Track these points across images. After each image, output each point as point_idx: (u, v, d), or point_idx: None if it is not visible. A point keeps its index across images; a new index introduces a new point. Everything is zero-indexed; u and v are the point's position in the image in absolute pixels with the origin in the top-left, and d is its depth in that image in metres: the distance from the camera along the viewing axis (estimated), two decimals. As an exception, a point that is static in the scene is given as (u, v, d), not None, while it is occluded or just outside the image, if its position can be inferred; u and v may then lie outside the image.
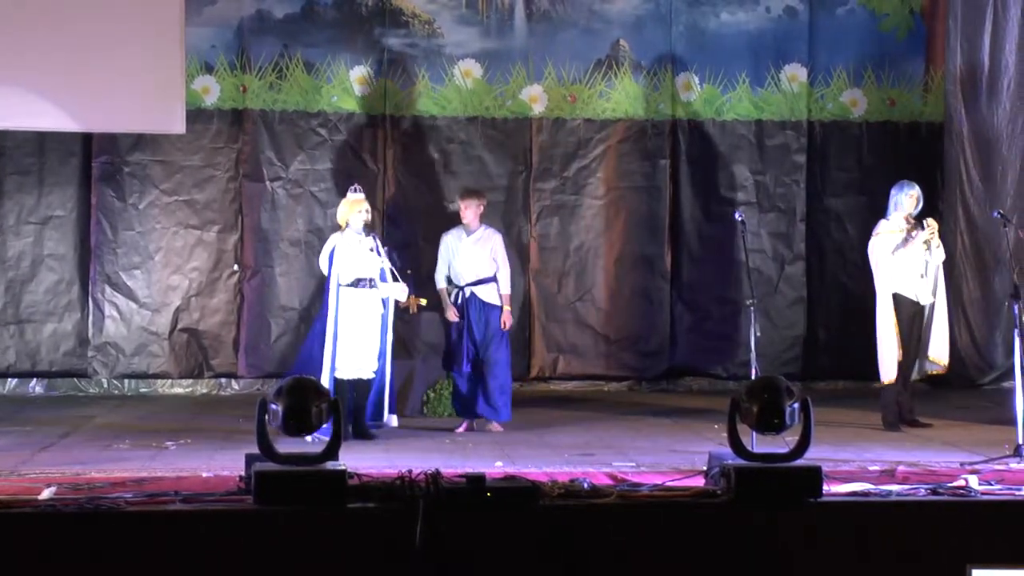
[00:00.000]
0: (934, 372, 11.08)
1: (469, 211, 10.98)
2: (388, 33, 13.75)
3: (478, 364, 10.77)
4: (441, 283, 10.98)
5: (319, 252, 13.42)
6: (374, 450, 9.32)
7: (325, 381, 9.72)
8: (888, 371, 10.74)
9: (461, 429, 10.72)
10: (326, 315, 10.15)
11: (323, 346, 10.02)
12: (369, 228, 10.42)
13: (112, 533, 6.54)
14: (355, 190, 10.51)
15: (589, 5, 13.94)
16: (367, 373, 10.17)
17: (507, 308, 10.87)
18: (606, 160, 13.99)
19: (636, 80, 13.99)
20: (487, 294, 10.83)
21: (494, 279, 10.87)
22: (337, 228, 10.55)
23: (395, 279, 10.35)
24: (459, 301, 10.81)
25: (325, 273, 10.34)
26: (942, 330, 10.90)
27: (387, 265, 10.32)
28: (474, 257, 10.89)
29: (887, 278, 10.78)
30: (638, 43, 13.99)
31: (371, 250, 10.25)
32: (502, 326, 10.81)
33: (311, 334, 10.52)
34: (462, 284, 10.85)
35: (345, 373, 10.09)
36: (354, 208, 10.33)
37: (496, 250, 10.94)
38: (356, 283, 10.20)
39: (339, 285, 10.15)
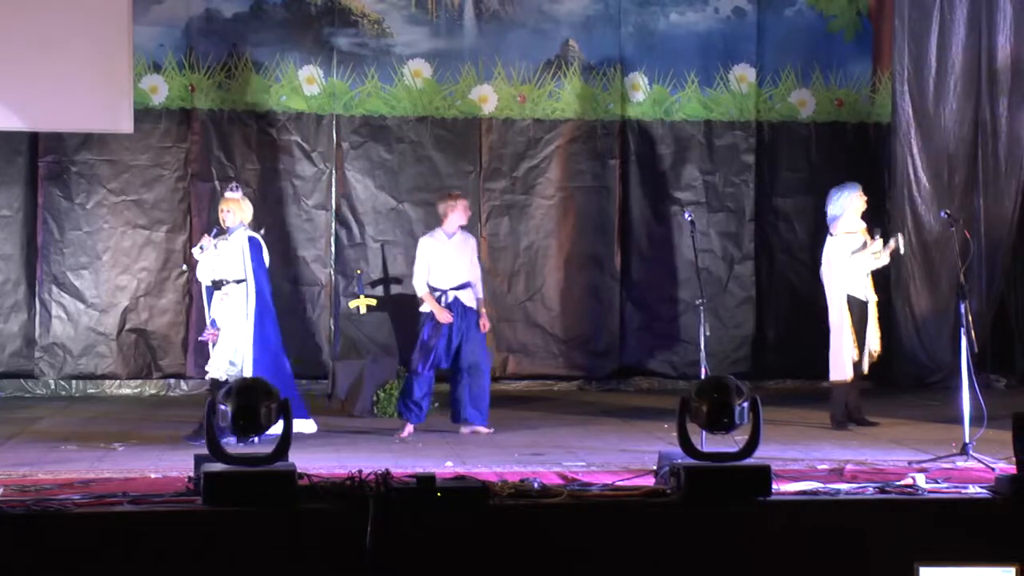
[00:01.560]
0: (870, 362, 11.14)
1: (457, 213, 10.68)
2: (337, 32, 13.71)
3: (458, 369, 10.61)
4: (424, 287, 10.63)
5: (269, 252, 13.47)
6: (324, 450, 9.29)
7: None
8: (841, 371, 10.80)
9: (406, 433, 10.47)
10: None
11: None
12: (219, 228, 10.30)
13: (59, 535, 6.49)
14: (234, 188, 10.42)
15: (538, 5, 13.95)
16: (219, 374, 10.13)
17: (483, 311, 10.76)
18: (556, 160, 14.01)
19: (585, 80, 14.01)
20: (468, 298, 10.70)
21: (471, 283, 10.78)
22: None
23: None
24: (442, 304, 10.64)
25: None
26: (875, 322, 10.99)
27: (248, 264, 10.23)
28: (457, 261, 10.68)
29: (841, 279, 10.84)
30: (587, 43, 14.02)
31: (219, 248, 10.20)
32: (482, 329, 10.72)
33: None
34: (445, 288, 10.62)
35: (217, 373, 10.09)
36: (221, 206, 10.33)
37: (473, 254, 10.85)
38: (218, 285, 10.20)
39: (207, 287, 10.27)
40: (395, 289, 13.63)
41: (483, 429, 10.58)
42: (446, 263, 10.62)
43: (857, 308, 10.85)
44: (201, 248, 10.26)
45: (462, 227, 10.78)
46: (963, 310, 9.06)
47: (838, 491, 7.31)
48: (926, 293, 14.06)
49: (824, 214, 11.12)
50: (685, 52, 14.10)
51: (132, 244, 13.43)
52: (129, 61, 12.68)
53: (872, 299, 10.95)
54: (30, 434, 10.38)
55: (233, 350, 10.12)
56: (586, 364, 14.02)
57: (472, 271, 10.73)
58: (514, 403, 12.52)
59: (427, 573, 6.64)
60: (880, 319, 11.12)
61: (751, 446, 7.16)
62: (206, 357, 13.22)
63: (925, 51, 13.98)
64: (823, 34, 14.31)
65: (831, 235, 10.97)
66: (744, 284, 14.21)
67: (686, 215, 10.49)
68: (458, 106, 13.90)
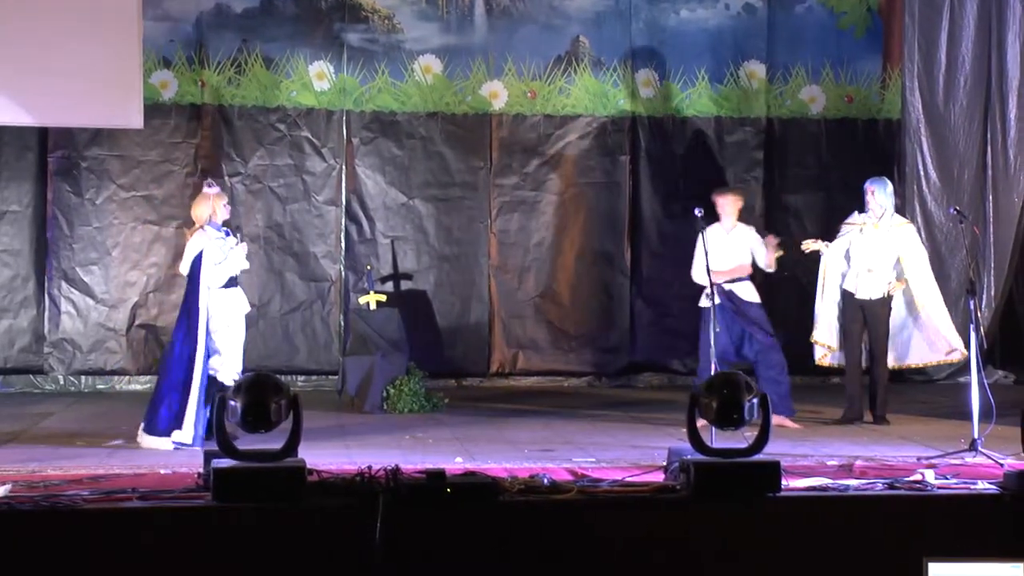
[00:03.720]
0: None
1: (728, 206, 10.92)
2: (348, 28, 13.71)
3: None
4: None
5: (278, 248, 13.47)
6: (334, 446, 9.29)
7: (195, 386, 9.38)
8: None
9: None
10: (194, 317, 9.55)
11: (194, 349, 9.47)
12: (227, 224, 10.07)
13: (69, 531, 6.50)
14: (211, 184, 10.20)
15: (548, 2, 13.95)
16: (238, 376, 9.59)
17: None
18: (566, 156, 14.01)
19: (596, 76, 14.01)
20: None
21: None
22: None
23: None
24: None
25: (185, 273, 9.82)
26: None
27: (242, 259, 9.96)
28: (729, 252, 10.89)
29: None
30: (598, 39, 14.01)
31: (232, 248, 9.88)
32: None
33: (176, 337, 9.68)
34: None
35: (224, 377, 9.60)
36: (218, 203, 9.89)
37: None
38: (229, 283, 9.85)
39: (209, 288, 9.66)
40: (405, 285, 13.64)
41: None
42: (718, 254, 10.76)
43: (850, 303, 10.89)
44: (232, 247, 9.92)
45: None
46: (972, 306, 9.05)
47: (847, 487, 7.31)
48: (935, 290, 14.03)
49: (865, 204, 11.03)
50: (695, 48, 14.09)
51: (142, 240, 13.44)
52: (139, 56, 12.66)
53: (874, 296, 10.87)
54: (39, 430, 10.39)
55: (241, 351, 9.92)
56: (596, 360, 14.02)
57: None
58: (524, 399, 12.53)
59: (437, 569, 6.64)
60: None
61: (760, 442, 7.16)
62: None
63: (935, 48, 13.97)
64: (833, 31, 14.30)
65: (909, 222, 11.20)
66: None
67: (696, 211, 10.48)
68: (468, 102, 13.90)
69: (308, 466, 6.85)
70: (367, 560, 6.50)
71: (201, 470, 7.13)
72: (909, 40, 14.01)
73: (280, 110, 13.62)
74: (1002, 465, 7.97)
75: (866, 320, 10.86)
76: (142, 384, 13.33)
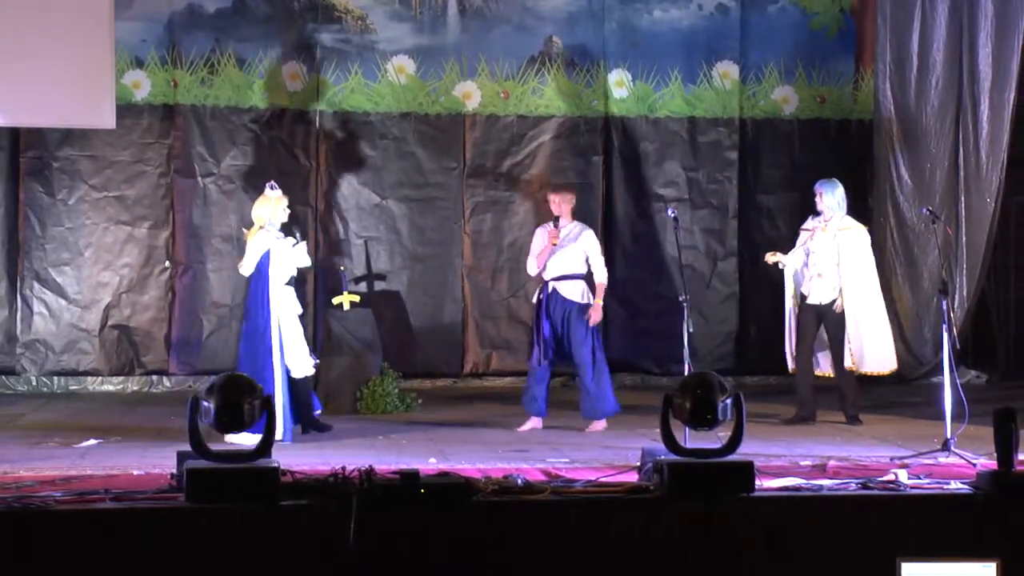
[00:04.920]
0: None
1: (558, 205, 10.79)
2: (320, 28, 13.70)
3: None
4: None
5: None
6: (307, 447, 9.28)
7: (279, 383, 9.66)
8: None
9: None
10: (265, 316, 9.84)
11: (269, 348, 9.77)
12: (287, 226, 10.25)
13: (41, 532, 6.47)
14: (273, 187, 10.34)
15: (522, 2, 13.96)
16: (309, 369, 10.13)
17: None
18: (539, 157, 14.02)
19: (569, 77, 14.02)
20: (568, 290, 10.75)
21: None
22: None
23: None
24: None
25: (248, 273, 10.01)
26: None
27: (305, 255, 10.21)
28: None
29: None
30: (571, 40, 14.03)
31: (292, 247, 10.10)
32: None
33: (248, 337, 10.01)
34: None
35: (298, 372, 9.96)
36: (279, 205, 10.10)
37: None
38: (291, 281, 10.11)
39: (277, 285, 9.92)
40: (379, 285, 13.62)
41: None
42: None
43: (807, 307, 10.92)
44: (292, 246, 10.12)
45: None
46: (946, 306, 9.08)
47: (821, 487, 7.32)
48: (908, 289, 14.10)
49: (812, 207, 11.05)
50: (668, 49, 14.12)
51: (114, 240, 13.40)
52: (111, 56, 12.62)
53: (824, 300, 10.84)
54: (11, 431, 10.35)
55: (304, 346, 10.14)
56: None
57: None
58: (497, 400, 12.52)
59: (410, 569, 6.64)
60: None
61: (734, 442, 7.17)
62: (189, 354, 13.36)
63: (907, 49, 14.02)
64: (806, 31, 14.36)
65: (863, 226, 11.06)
66: (727, 280, 14.23)
67: (669, 212, 10.50)
68: (442, 102, 13.89)
69: (282, 467, 6.83)
70: (341, 561, 6.49)
71: (174, 471, 7.11)
72: (881, 41, 14.07)
73: (253, 110, 13.59)
74: (975, 465, 8.00)
75: (823, 324, 10.88)
76: (114, 385, 13.31)
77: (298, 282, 13.36)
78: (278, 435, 9.21)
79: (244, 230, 10.51)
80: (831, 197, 10.87)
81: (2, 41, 12.31)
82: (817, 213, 10.96)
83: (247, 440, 9.05)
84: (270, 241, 9.95)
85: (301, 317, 10.21)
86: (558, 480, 7.48)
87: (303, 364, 10.02)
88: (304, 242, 10.22)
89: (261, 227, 10.02)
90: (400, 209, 13.76)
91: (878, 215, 14.05)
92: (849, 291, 10.81)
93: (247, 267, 10.02)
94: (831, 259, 10.79)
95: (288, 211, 10.19)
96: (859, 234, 10.98)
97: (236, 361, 10.19)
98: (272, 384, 9.56)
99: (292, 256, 10.02)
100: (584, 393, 10.67)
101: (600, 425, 10.58)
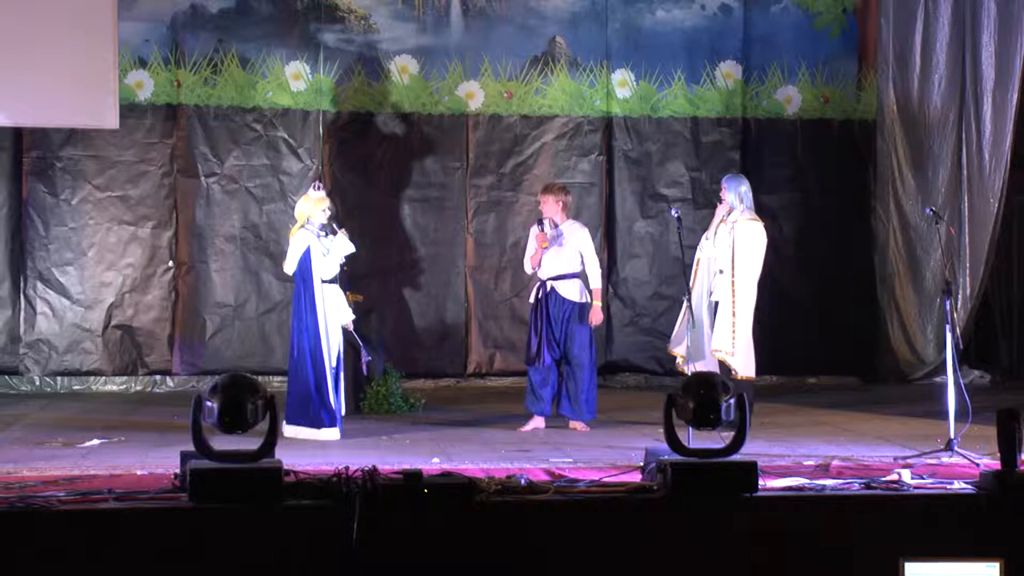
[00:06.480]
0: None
1: (547, 206, 10.77)
2: (324, 29, 13.70)
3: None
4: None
5: (255, 248, 13.44)
6: (310, 447, 9.28)
7: (330, 375, 9.92)
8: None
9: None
10: (312, 313, 9.99)
11: (319, 343, 9.96)
12: (326, 226, 10.30)
13: (44, 532, 6.47)
14: (318, 187, 10.47)
15: (525, 2, 13.96)
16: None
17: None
18: (542, 157, 14.02)
19: (572, 77, 14.02)
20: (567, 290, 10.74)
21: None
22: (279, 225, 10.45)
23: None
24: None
25: (291, 271, 10.19)
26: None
27: (347, 243, 10.34)
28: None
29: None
30: (574, 40, 14.03)
31: (333, 239, 10.23)
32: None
33: (298, 333, 10.07)
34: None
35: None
36: (319, 206, 10.20)
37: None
38: (332, 279, 10.23)
39: (323, 281, 10.09)
40: (382, 285, 13.61)
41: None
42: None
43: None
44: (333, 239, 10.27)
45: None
46: (949, 306, 9.07)
47: (824, 487, 7.32)
48: (911, 289, 14.10)
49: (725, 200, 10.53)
50: (671, 49, 14.12)
51: (117, 240, 13.40)
52: (114, 56, 12.63)
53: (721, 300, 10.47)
54: (14, 431, 10.35)
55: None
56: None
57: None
58: (501, 399, 12.52)
59: (413, 569, 6.63)
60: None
61: (737, 442, 7.16)
62: (193, 354, 13.37)
63: (910, 49, 14.03)
64: (809, 31, 14.35)
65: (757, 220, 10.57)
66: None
67: (673, 212, 10.49)
68: (445, 103, 13.89)
69: (285, 467, 6.83)
70: (344, 560, 6.49)
71: (178, 471, 7.11)
72: (884, 41, 14.08)
73: (256, 110, 13.60)
74: (978, 465, 8.00)
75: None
76: (118, 385, 13.31)
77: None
78: (333, 433, 9.86)
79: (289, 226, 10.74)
80: (731, 193, 10.39)
81: (5, 41, 12.32)
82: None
83: (307, 434, 9.75)
84: (308, 238, 10.10)
85: None
86: (561, 480, 7.48)
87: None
88: (343, 229, 10.34)
89: (301, 225, 10.20)
90: (403, 209, 13.76)
91: (881, 215, 14.05)
92: (722, 284, 10.35)
93: (290, 265, 10.23)
94: (728, 255, 10.47)
95: (328, 212, 10.25)
96: (751, 229, 10.40)
97: (288, 359, 10.26)
98: (325, 379, 9.84)
99: (335, 247, 10.16)
100: (574, 393, 10.61)
101: (582, 427, 10.53)
